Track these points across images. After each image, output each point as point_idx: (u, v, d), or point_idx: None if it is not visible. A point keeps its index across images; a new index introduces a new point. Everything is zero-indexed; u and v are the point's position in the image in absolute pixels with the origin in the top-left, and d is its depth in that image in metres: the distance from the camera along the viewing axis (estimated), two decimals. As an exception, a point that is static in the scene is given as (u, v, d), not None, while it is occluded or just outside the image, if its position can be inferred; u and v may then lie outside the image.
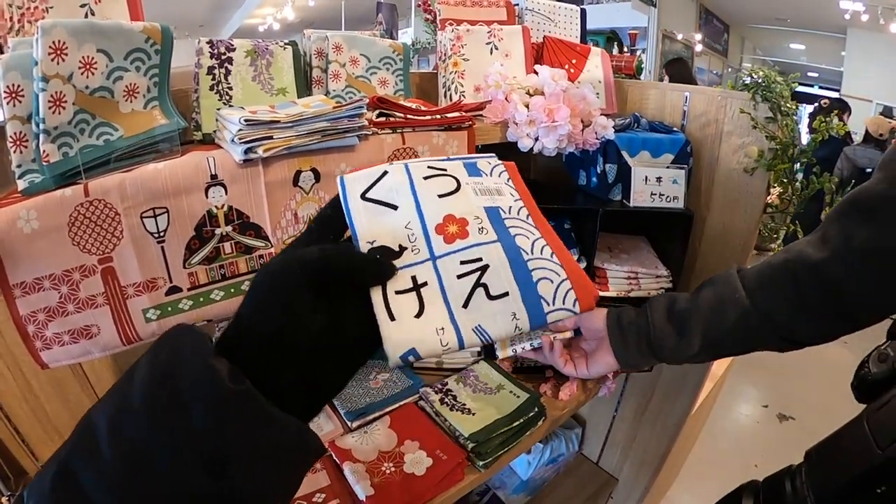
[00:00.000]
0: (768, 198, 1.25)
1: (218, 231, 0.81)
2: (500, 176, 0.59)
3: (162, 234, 0.77)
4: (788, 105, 1.15)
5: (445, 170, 0.55)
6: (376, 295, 0.42)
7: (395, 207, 0.49)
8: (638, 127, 1.30)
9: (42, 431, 1.06)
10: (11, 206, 0.67)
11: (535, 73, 1.13)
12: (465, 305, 0.44)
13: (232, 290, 0.86)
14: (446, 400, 1.18)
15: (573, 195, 1.36)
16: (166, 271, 0.79)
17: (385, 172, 0.51)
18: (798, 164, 1.18)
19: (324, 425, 1.11)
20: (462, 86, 1.19)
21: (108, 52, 0.76)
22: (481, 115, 1.10)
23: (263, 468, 0.34)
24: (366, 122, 0.88)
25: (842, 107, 4.62)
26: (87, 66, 0.74)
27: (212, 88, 0.93)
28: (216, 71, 0.93)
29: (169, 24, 0.83)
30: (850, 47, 7.38)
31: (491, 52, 1.23)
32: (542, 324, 0.47)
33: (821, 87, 8.42)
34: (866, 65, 7.11)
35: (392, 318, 0.41)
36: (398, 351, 0.41)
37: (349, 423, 1.11)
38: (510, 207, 0.54)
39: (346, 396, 1.15)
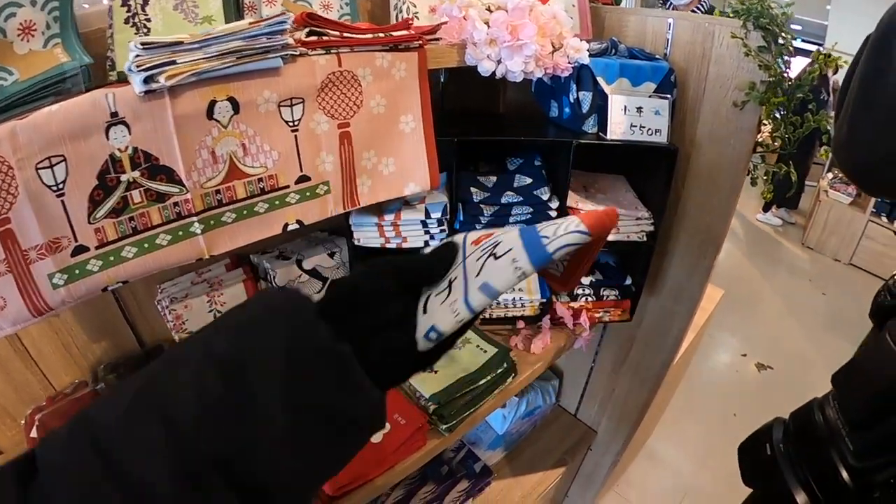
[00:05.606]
0: (759, 136, 1.14)
1: (124, 178, 0.72)
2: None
3: (61, 185, 0.68)
4: (785, 33, 1.04)
5: None
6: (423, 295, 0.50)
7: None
8: (616, 53, 1.17)
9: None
10: None
11: (499, -13, 0.99)
12: (477, 275, 0.48)
13: (146, 246, 0.76)
14: (406, 357, 1.09)
15: (544, 128, 1.23)
16: (70, 229, 0.70)
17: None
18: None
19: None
20: (415, 5, 1.05)
21: (-5, -15, 0.65)
22: (437, 39, 0.97)
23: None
24: (290, 41, 0.76)
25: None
26: (-29, 3, 0.64)
27: (127, 21, 0.81)
28: (131, 2, 0.81)
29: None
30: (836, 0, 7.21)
31: (449, -33, 1.08)
32: (544, 259, 0.46)
33: (804, 41, 8.24)
34: (852, 18, 6.95)
35: (424, 311, 0.48)
36: (421, 332, 0.47)
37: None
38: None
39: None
